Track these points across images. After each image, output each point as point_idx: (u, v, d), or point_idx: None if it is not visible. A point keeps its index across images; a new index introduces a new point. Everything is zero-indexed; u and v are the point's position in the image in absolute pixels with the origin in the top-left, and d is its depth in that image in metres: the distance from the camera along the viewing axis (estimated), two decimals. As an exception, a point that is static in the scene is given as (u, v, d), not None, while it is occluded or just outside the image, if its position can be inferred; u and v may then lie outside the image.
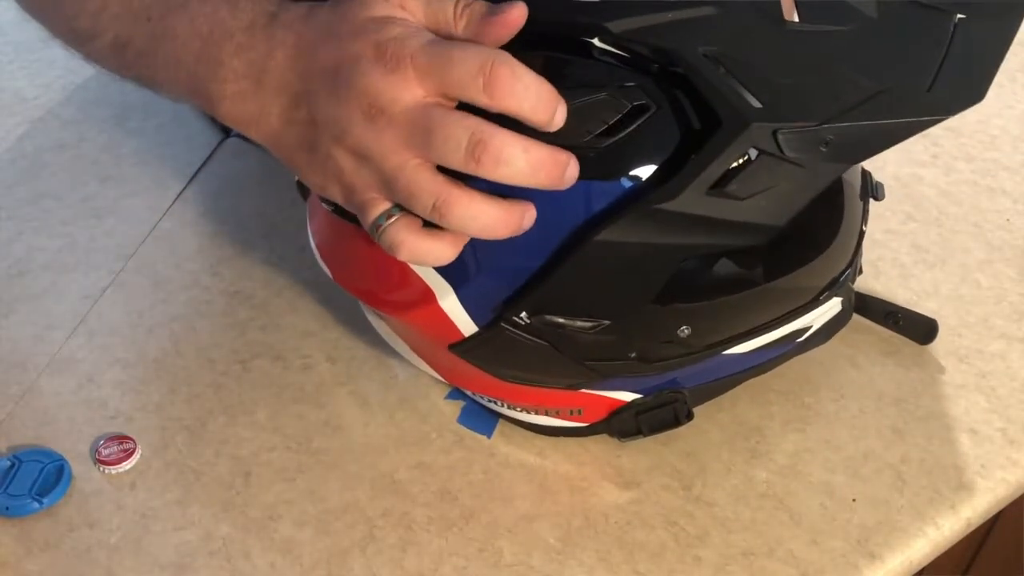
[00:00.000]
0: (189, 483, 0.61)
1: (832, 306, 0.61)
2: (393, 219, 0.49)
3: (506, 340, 0.55)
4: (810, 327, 0.61)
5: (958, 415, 0.64)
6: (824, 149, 0.50)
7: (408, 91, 0.46)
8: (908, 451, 0.62)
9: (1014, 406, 0.65)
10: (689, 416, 0.60)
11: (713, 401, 0.64)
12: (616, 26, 0.49)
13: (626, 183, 0.50)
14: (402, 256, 0.49)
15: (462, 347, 0.56)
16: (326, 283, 0.60)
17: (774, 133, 0.49)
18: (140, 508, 0.59)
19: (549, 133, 0.48)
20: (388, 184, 0.48)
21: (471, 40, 0.47)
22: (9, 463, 0.60)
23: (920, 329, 0.68)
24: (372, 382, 0.66)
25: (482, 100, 0.46)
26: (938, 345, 0.68)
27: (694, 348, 0.57)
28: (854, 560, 0.57)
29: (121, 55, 0.57)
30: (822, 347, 0.64)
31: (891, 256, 0.75)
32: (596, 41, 0.50)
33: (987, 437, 0.63)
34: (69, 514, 0.59)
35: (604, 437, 0.62)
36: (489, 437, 0.63)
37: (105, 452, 0.62)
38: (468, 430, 0.63)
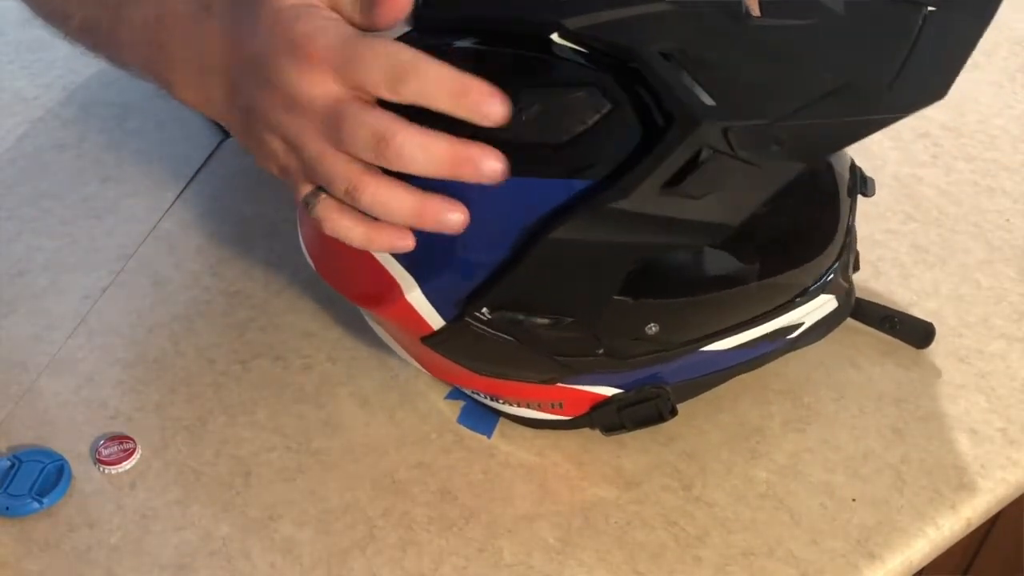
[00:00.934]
0: (189, 483, 0.61)
1: (824, 302, 0.61)
2: (320, 198, 0.51)
3: (473, 335, 0.55)
4: (801, 324, 0.61)
5: (958, 415, 0.64)
6: (777, 147, 0.49)
7: (322, 86, 0.48)
8: (908, 451, 0.62)
9: (1014, 406, 0.65)
10: (673, 412, 0.60)
11: (713, 401, 0.64)
12: (573, 22, 0.49)
13: (581, 182, 0.50)
14: (326, 231, 0.51)
15: (432, 340, 0.57)
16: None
17: (725, 131, 0.48)
18: (140, 508, 0.59)
19: (501, 130, 0.47)
20: (310, 169, 0.50)
21: (370, 27, 0.49)
22: (9, 463, 0.60)
23: (917, 333, 0.68)
24: (372, 382, 0.66)
25: (391, 98, 0.47)
26: (938, 345, 0.68)
27: (666, 345, 0.57)
28: (854, 560, 0.57)
29: (90, 36, 0.61)
30: (822, 347, 0.64)
31: (891, 256, 0.75)
32: (554, 37, 0.49)
33: (987, 437, 0.63)
34: (69, 514, 0.59)
35: (604, 437, 0.62)
36: (489, 437, 0.63)
37: (105, 452, 0.62)
38: (468, 430, 0.63)
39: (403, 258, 0.54)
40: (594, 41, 0.49)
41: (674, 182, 0.49)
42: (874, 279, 0.72)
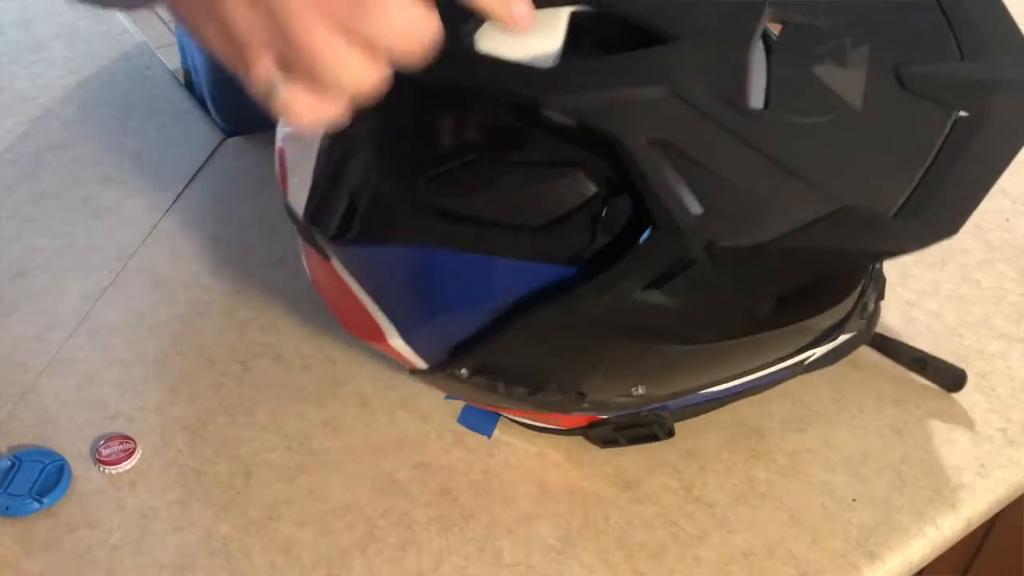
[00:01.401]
0: (189, 483, 0.61)
1: (840, 339, 0.58)
2: (288, 82, 0.42)
3: (457, 381, 0.55)
4: (812, 355, 0.58)
5: (958, 415, 0.64)
6: (761, 269, 0.46)
7: None
8: (908, 451, 0.62)
9: (1014, 406, 0.65)
10: (670, 433, 0.59)
11: (713, 401, 0.64)
12: (555, 102, 0.43)
13: (559, 268, 0.48)
14: (299, 121, 0.43)
15: (421, 375, 0.58)
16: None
17: (709, 246, 0.45)
18: (140, 508, 0.59)
19: (479, 208, 0.46)
20: (287, 46, 0.41)
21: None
22: (9, 463, 0.60)
23: (949, 377, 0.66)
24: (372, 382, 0.66)
25: None
26: (938, 345, 0.68)
27: (657, 399, 0.56)
28: (854, 560, 0.57)
29: None
30: (822, 347, 0.64)
31: (891, 256, 0.75)
32: (544, 111, 0.44)
33: (987, 437, 0.63)
34: (69, 514, 0.59)
35: (604, 437, 0.62)
36: (489, 437, 0.63)
37: (105, 452, 0.62)
38: (468, 430, 0.63)
39: (386, 309, 0.54)
40: (580, 122, 0.44)
41: (652, 286, 0.46)
42: (874, 279, 0.72)
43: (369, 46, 0.41)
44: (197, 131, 0.85)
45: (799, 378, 0.66)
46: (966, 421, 0.64)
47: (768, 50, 0.44)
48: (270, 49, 0.41)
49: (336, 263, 0.54)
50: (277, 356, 0.68)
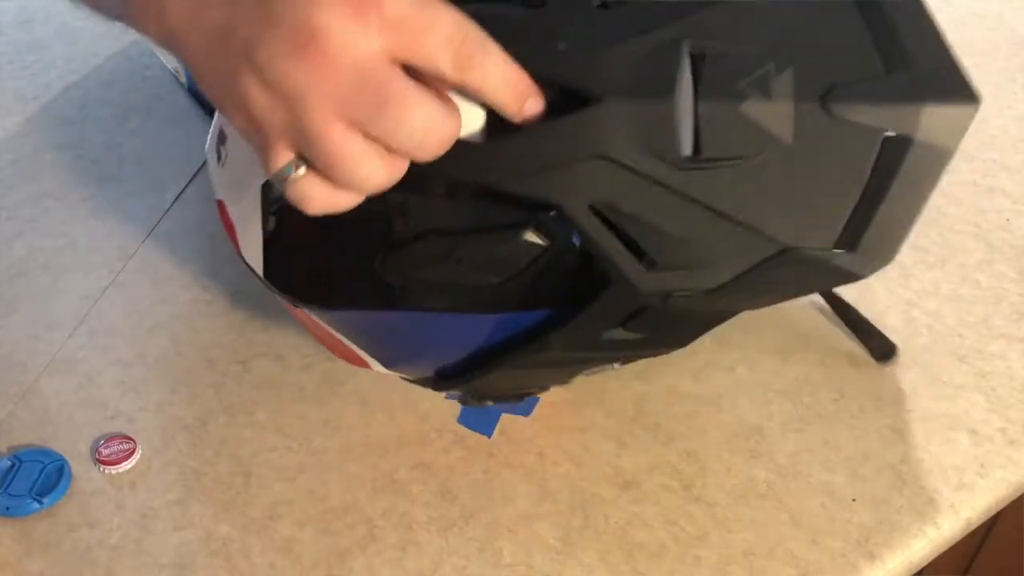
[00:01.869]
0: (189, 483, 0.61)
1: None
2: (303, 171, 0.41)
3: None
4: None
5: (958, 415, 0.64)
6: (716, 304, 0.47)
7: (366, 39, 0.38)
8: (908, 451, 0.62)
9: (1014, 406, 0.65)
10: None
11: (713, 401, 0.64)
12: (494, 183, 0.44)
13: (526, 315, 0.49)
14: (312, 210, 0.43)
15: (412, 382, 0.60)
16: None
17: (664, 296, 0.46)
18: (140, 508, 0.59)
19: (440, 272, 0.47)
20: (303, 140, 0.40)
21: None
22: (9, 463, 0.60)
23: (881, 348, 0.67)
24: (372, 382, 0.66)
25: (451, 76, 0.40)
26: (938, 345, 0.68)
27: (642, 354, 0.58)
28: (854, 560, 0.57)
29: None
30: (822, 347, 0.64)
31: (891, 256, 0.75)
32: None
33: (987, 437, 0.63)
34: (69, 514, 0.59)
35: (604, 437, 0.62)
36: (489, 437, 0.63)
37: (105, 452, 0.62)
38: (468, 430, 0.63)
39: (364, 349, 0.56)
40: (522, 195, 0.44)
41: (618, 325, 0.48)
42: (874, 278, 0.72)
43: (388, 146, 0.40)
44: (197, 131, 0.85)
45: (799, 378, 0.66)
46: (966, 421, 0.64)
47: (696, 88, 0.43)
48: (288, 136, 0.40)
49: (306, 310, 0.56)
50: (277, 356, 0.68)
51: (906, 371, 0.67)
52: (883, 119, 0.44)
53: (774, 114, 0.43)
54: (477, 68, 0.40)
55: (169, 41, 0.43)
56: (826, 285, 0.49)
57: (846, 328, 0.68)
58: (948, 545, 0.60)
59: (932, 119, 0.44)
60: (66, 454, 0.61)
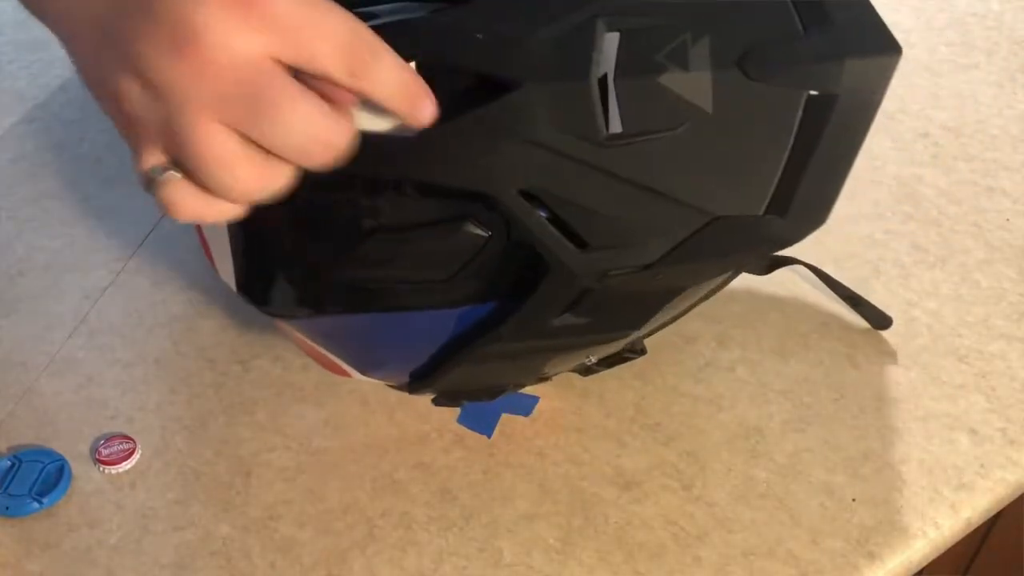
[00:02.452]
0: (189, 483, 0.61)
1: None
2: (170, 175, 0.39)
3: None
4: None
5: (958, 415, 0.64)
6: (657, 278, 0.47)
7: (246, 39, 0.36)
8: (908, 451, 0.62)
9: (1014, 406, 0.65)
10: (642, 351, 0.61)
11: (713, 401, 0.64)
12: (422, 176, 0.44)
13: (477, 309, 0.50)
14: (179, 217, 0.40)
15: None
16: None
17: (601, 276, 0.46)
18: (140, 508, 0.59)
19: (388, 268, 0.48)
20: (175, 141, 0.38)
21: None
22: (9, 463, 0.60)
23: (876, 317, 0.68)
24: (372, 382, 0.66)
25: (341, 80, 0.38)
26: (938, 345, 0.68)
27: (615, 356, 0.59)
28: (854, 560, 0.57)
29: None
30: (822, 347, 0.64)
31: (891, 256, 0.75)
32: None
33: (987, 437, 0.63)
34: (69, 514, 0.59)
35: (604, 437, 0.62)
36: (489, 437, 0.63)
37: (105, 452, 0.62)
38: (468, 430, 0.63)
39: (339, 356, 0.57)
40: (452, 186, 0.44)
41: (565, 312, 0.48)
42: (874, 279, 0.72)
43: (267, 153, 0.38)
44: (197, 131, 0.85)
45: (799, 378, 0.66)
46: (966, 421, 0.64)
47: (613, 65, 0.43)
48: (161, 136, 0.38)
49: (281, 322, 0.57)
50: (277, 356, 0.68)
51: (906, 371, 0.67)
52: (804, 79, 0.43)
53: (693, 84, 0.42)
54: (368, 75, 0.38)
55: (53, 28, 0.42)
56: (761, 252, 0.49)
57: (846, 328, 0.68)
58: (948, 545, 0.60)
59: (854, 73, 0.43)
60: (66, 454, 0.61)
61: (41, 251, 0.76)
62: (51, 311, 0.71)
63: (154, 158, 0.39)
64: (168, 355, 0.68)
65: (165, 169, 0.39)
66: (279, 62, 0.37)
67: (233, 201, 0.39)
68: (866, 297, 0.69)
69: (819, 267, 0.69)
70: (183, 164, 0.39)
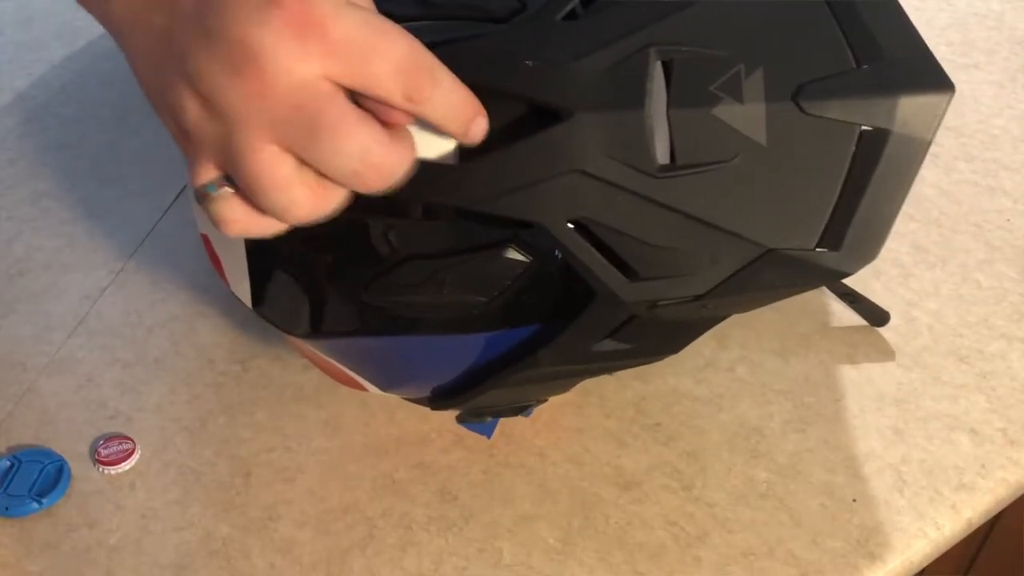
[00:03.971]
0: (189, 483, 0.61)
1: None
2: (224, 192, 0.39)
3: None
4: None
5: (958, 415, 0.64)
6: (706, 308, 0.46)
7: (305, 63, 0.36)
8: (908, 451, 0.62)
9: (1014, 406, 0.65)
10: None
11: (713, 401, 0.64)
12: (472, 206, 0.43)
13: (515, 332, 0.49)
14: (229, 232, 0.41)
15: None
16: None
17: (650, 305, 0.46)
18: (140, 508, 0.59)
19: (426, 296, 0.47)
20: (231, 158, 0.38)
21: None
22: (9, 463, 0.60)
23: (874, 314, 0.68)
24: (372, 382, 0.66)
25: (399, 104, 0.38)
26: (938, 345, 0.68)
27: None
28: (854, 560, 0.57)
29: None
30: (822, 347, 0.64)
31: (891, 256, 0.75)
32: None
33: (987, 437, 0.63)
34: (69, 514, 0.59)
35: (604, 437, 0.62)
36: (489, 437, 0.63)
37: (105, 452, 0.62)
38: (468, 430, 0.63)
39: (357, 373, 0.56)
40: (500, 215, 0.44)
41: (606, 337, 0.48)
42: (874, 279, 0.72)
43: (321, 176, 0.38)
44: (197, 131, 0.85)
45: (799, 378, 0.66)
46: (966, 421, 0.64)
47: (666, 95, 0.43)
48: (217, 152, 0.39)
49: (298, 339, 0.56)
50: (277, 356, 0.68)
51: (906, 371, 0.67)
52: (858, 113, 0.43)
53: (747, 116, 0.42)
54: (427, 99, 0.38)
55: (113, 33, 0.42)
56: (812, 285, 0.48)
57: (846, 328, 0.68)
58: (948, 545, 0.60)
59: (907, 110, 0.44)
60: (65, 454, 0.61)
61: (40, 251, 0.75)
62: (50, 311, 0.71)
63: (209, 173, 0.39)
64: (168, 355, 0.68)
65: (220, 185, 0.39)
66: (337, 84, 0.37)
67: (284, 221, 0.40)
68: (867, 297, 0.69)
69: None
70: (237, 182, 0.39)
